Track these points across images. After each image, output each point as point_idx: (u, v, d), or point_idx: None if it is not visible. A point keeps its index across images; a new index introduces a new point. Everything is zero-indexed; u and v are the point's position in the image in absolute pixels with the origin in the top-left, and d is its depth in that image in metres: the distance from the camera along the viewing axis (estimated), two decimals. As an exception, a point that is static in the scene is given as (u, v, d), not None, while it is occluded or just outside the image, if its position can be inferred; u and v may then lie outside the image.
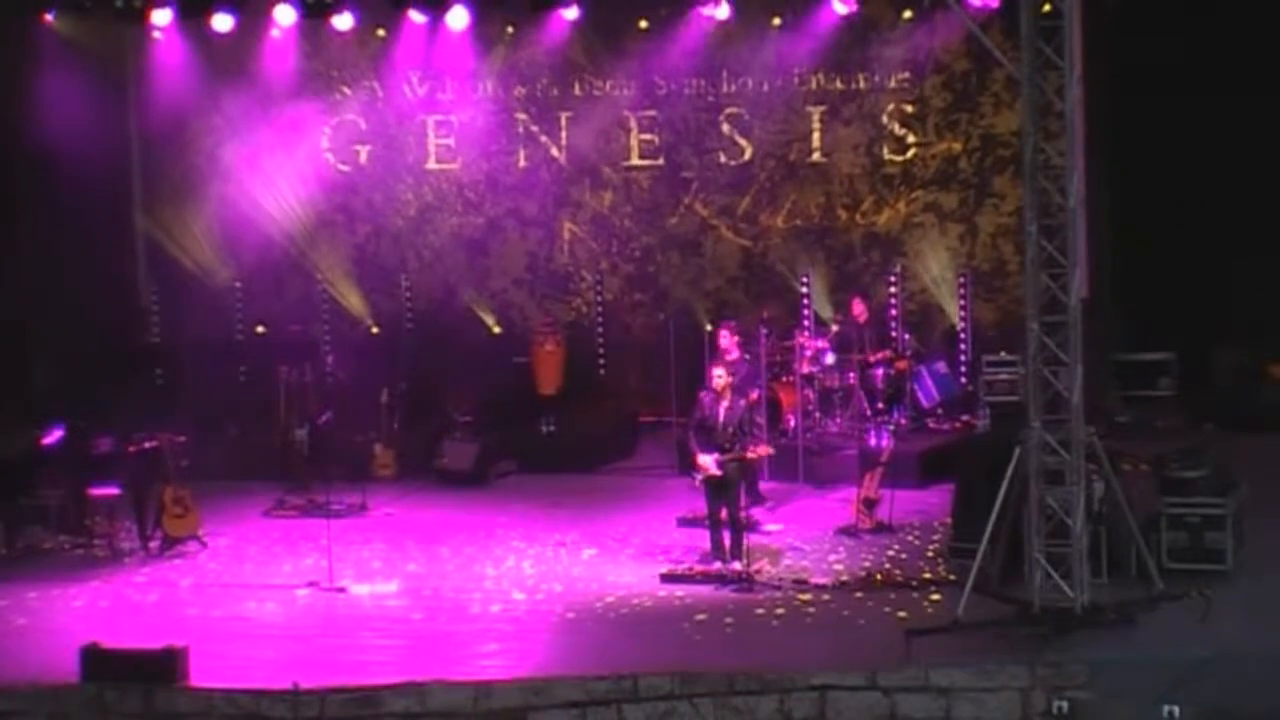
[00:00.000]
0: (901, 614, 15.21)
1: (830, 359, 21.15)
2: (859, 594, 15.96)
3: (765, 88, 23.45)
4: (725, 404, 16.97)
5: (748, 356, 19.64)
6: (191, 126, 23.90)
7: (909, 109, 23.26)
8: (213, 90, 23.70)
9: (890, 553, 17.35)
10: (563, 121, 23.99)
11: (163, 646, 14.23)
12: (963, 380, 22.44)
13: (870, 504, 18.13)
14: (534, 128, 24.05)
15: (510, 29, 23.54)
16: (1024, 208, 14.94)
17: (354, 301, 24.02)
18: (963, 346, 22.73)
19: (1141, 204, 21.58)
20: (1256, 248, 21.57)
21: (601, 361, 23.81)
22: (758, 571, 16.55)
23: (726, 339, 19.17)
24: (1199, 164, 21.27)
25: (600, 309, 23.90)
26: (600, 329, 23.86)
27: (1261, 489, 16.95)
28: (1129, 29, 21.07)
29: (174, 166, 24.08)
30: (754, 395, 18.98)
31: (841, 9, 22.26)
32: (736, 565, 16.60)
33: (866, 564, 16.95)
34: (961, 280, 22.87)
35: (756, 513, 18.21)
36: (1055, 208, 14.66)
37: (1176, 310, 21.55)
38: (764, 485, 19.26)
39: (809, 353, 21.09)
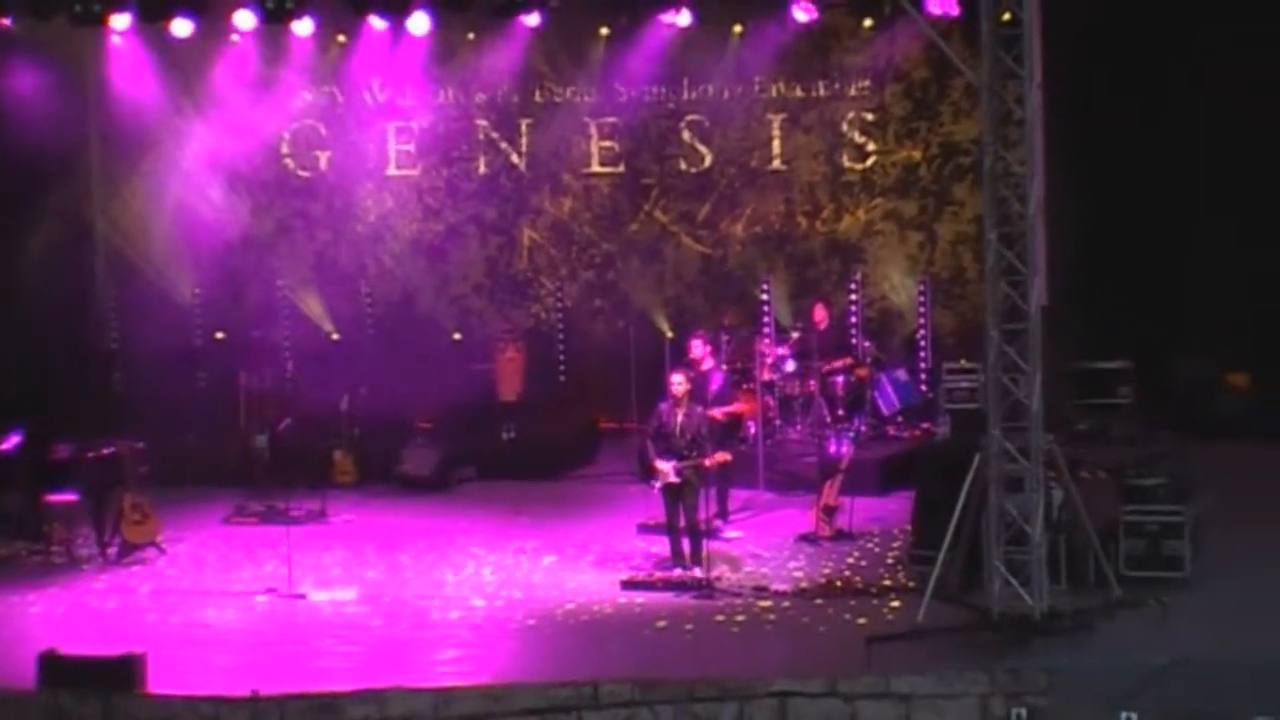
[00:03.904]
0: (861, 621, 15.23)
1: (790, 366, 21.18)
2: (819, 601, 15.97)
3: (726, 95, 23.52)
4: (683, 411, 16.99)
5: (723, 367, 19.68)
6: (151, 131, 23.75)
7: (869, 117, 23.34)
8: (172, 95, 23.59)
9: (850, 560, 17.38)
10: (523, 128, 23.99)
11: (121, 653, 14.15)
12: (923, 388, 22.49)
13: (830, 511, 18.16)
14: (494, 134, 24.04)
15: (471, 35, 23.51)
16: (984, 215, 14.99)
17: (314, 307, 23.95)
18: (923, 354, 22.79)
19: (1101, 212, 21.66)
20: (1215, 257, 21.67)
21: (562, 368, 23.80)
22: (718, 578, 16.55)
23: (699, 349, 19.14)
24: (1158, 173, 21.38)
25: (560, 315, 23.90)
26: (560, 335, 23.86)
27: (1219, 497, 17.07)
28: (1089, 37, 21.15)
29: (133, 171, 23.98)
30: (729, 409, 19.01)
31: (802, 17, 22.29)
32: (697, 572, 16.62)
33: (826, 571, 16.98)
34: (921, 287, 22.95)
35: (716, 520, 18.22)
36: (1015, 216, 14.71)
37: (1135, 318, 21.64)
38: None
39: (769, 360, 21.12)
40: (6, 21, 22.19)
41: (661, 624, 15.47)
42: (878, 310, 23.26)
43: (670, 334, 22.22)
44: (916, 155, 23.31)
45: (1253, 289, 21.65)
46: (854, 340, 22.15)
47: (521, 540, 18.60)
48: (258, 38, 23.21)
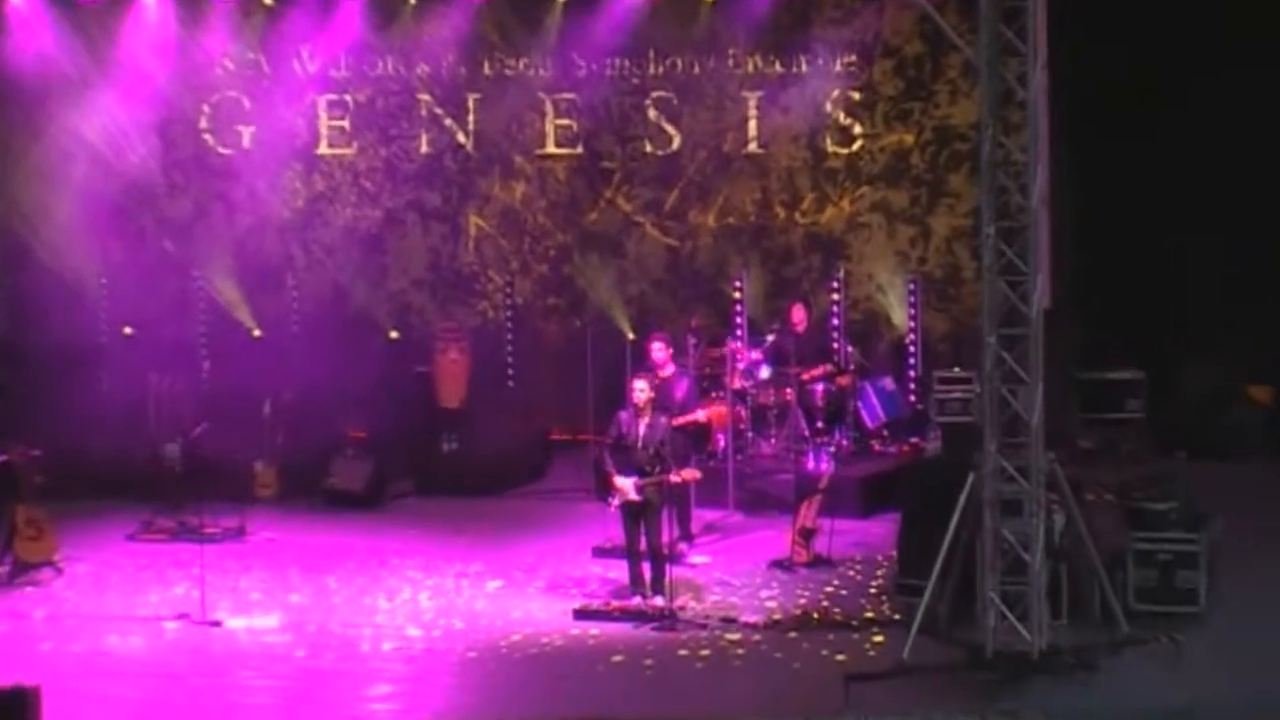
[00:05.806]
0: (840, 657, 15.27)
1: (765, 372, 21.19)
2: (793, 634, 16.01)
3: (696, 70, 23.55)
4: (646, 421, 16.96)
5: (689, 371, 19.68)
6: (53, 103, 23.67)
7: (855, 96, 23.37)
8: (77, 63, 23.50)
9: (829, 589, 17.41)
10: (470, 104, 23.99)
11: (12, 685, 14.01)
12: (911, 398, 22.54)
13: (807, 535, 18.18)
14: (438, 110, 24.04)
15: (413, -1, 23.57)
16: (981, 208, 15.02)
17: (234, 301, 23.89)
18: (912, 361, 22.84)
19: (1109, 206, 21.70)
20: (1233, 258, 21.72)
21: (510, 372, 23.80)
22: (681, 608, 16.59)
23: (660, 352, 19.12)
24: (1174, 163, 21.42)
25: (510, 314, 23.90)
26: (509, 336, 23.85)
27: (1236, 522, 17.11)
28: (1098, 10, 21.18)
29: (32, 147, 23.87)
30: (697, 415, 19.00)
31: (782, -17, 22.38)
32: (657, 601, 16.62)
33: (802, 601, 17.01)
34: (911, 287, 22.98)
35: (680, 543, 18.23)
36: (1015, 208, 14.75)
37: (1143, 323, 21.70)
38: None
39: (742, 365, 21.12)
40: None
41: (618, 658, 15.48)
42: (863, 312, 23.30)
43: (632, 336, 22.26)
44: (908, 140, 23.35)
45: (1274, 293, 21.70)
46: (835, 345, 22.21)
47: (463, 563, 18.61)
48: (174, -1, 23.22)
